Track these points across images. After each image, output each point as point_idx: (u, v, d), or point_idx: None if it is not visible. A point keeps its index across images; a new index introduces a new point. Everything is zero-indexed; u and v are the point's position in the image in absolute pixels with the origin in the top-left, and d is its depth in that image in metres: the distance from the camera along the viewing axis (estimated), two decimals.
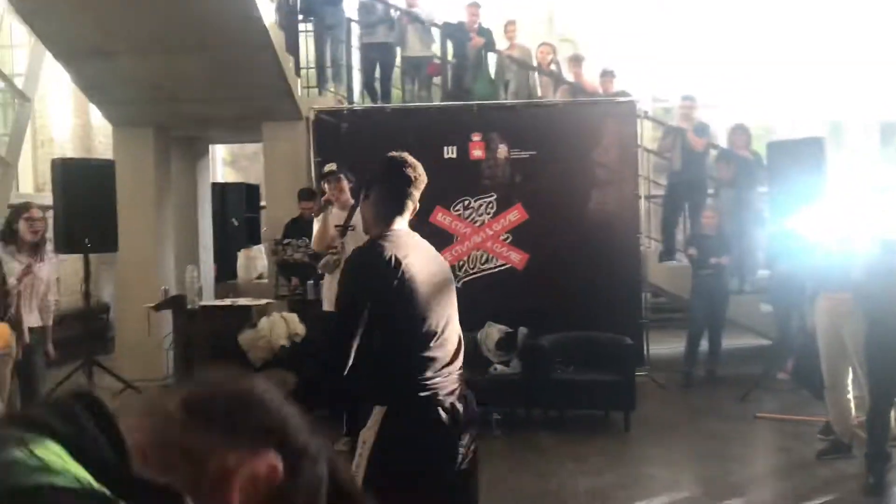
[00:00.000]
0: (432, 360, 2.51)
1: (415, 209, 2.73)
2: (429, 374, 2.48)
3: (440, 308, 2.60)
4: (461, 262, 7.33)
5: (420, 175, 2.75)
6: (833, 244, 4.74)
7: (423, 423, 2.46)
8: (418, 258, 2.57)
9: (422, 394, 2.46)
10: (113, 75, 6.86)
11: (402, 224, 2.66)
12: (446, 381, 2.53)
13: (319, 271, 5.20)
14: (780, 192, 6.58)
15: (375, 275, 2.47)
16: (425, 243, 2.75)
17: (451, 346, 2.61)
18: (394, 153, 2.80)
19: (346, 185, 5.11)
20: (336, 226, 4.78)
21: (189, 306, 5.73)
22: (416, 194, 2.73)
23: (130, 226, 7.56)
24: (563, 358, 5.89)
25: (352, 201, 4.71)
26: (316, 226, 5.13)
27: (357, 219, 4.04)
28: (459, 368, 2.63)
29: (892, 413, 4.40)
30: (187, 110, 7.36)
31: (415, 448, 2.42)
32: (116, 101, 7.31)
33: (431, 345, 2.51)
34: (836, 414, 4.89)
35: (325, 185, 5.21)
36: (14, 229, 4.57)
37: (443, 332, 2.56)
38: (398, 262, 2.46)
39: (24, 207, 4.68)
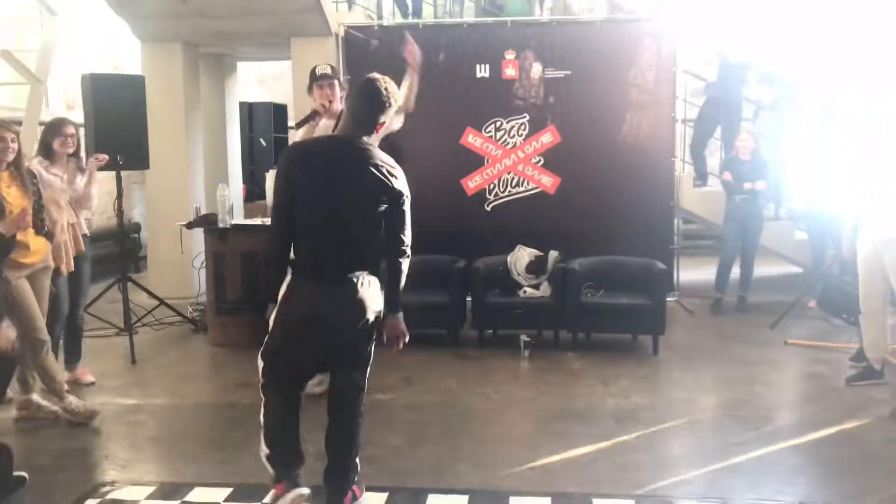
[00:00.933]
0: None
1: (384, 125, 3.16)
2: None
3: None
4: (492, 186, 7.26)
5: (393, 99, 3.08)
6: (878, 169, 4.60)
7: None
8: None
9: None
10: None
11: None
12: None
13: None
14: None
15: None
16: None
17: None
18: (372, 75, 3.08)
19: (338, 91, 4.49)
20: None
21: (220, 225, 5.74)
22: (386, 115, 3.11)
23: (160, 144, 7.55)
24: (594, 282, 5.86)
25: (342, 109, 4.12)
26: (299, 137, 4.41)
27: None
28: None
29: None
30: (214, 25, 7.22)
31: None
32: (144, 16, 7.20)
33: None
34: (870, 340, 4.84)
35: (316, 91, 4.50)
36: (49, 146, 4.58)
37: None
38: None
39: (60, 123, 4.67)
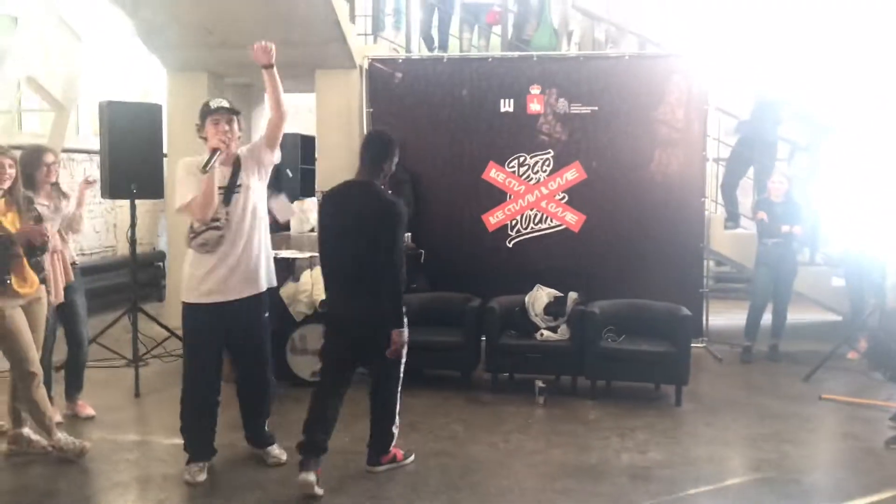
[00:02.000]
0: None
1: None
2: None
3: None
4: (514, 222, 7.08)
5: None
6: None
7: None
8: None
9: None
10: (166, 18, 6.77)
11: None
12: None
13: (192, 247, 3.81)
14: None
15: None
16: None
17: None
18: (376, 130, 4.38)
19: (237, 129, 3.84)
20: (220, 187, 3.75)
21: None
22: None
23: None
24: (615, 326, 5.61)
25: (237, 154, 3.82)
26: (188, 184, 3.72)
27: (252, 181, 3.91)
28: None
29: None
30: (239, 56, 7.15)
31: None
32: (170, 46, 7.23)
33: None
34: None
35: (209, 126, 3.76)
36: (32, 176, 4.39)
37: None
38: None
39: (38, 152, 4.56)
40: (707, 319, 7.20)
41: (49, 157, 4.54)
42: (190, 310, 3.92)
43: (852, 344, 6.62)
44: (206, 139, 3.81)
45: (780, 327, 6.81)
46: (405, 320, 3.78)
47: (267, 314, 4.13)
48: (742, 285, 9.87)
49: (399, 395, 4.04)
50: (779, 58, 7.99)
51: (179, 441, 4.43)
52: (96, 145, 6.12)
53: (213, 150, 3.70)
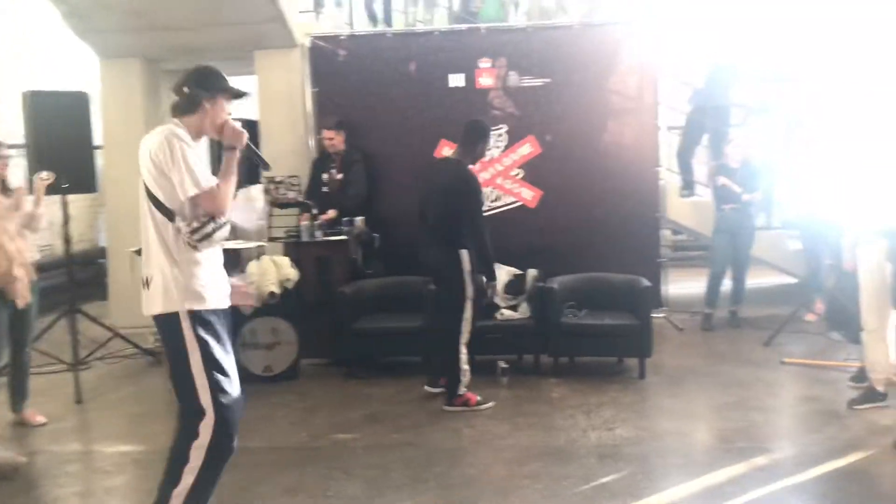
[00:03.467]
0: None
1: None
2: None
3: None
4: None
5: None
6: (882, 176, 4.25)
7: None
8: None
9: None
10: (91, 2, 6.40)
11: None
12: None
13: (198, 244, 2.83)
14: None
15: None
16: None
17: None
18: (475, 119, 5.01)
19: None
20: None
21: None
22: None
23: (118, 164, 7.19)
24: (575, 301, 5.49)
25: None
26: (201, 169, 2.86)
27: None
28: None
29: None
30: (173, 40, 6.87)
31: None
32: (99, 31, 6.84)
33: None
34: (873, 359, 4.48)
35: (227, 110, 3.05)
36: None
37: None
38: None
39: None
40: (666, 289, 7.15)
41: (3, 150, 4.25)
42: (212, 317, 2.87)
43: (809, 306, 6.64)
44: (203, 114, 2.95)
45: (739, 293, 6.80)
46: (494, 273, 4.84)
47: None
48: (698, 253, 9.87)
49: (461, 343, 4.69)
50: (729, 22, 7.93)
51: (126, 449, 4.21)
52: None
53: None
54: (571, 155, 6.81)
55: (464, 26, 7.15)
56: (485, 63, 6.84)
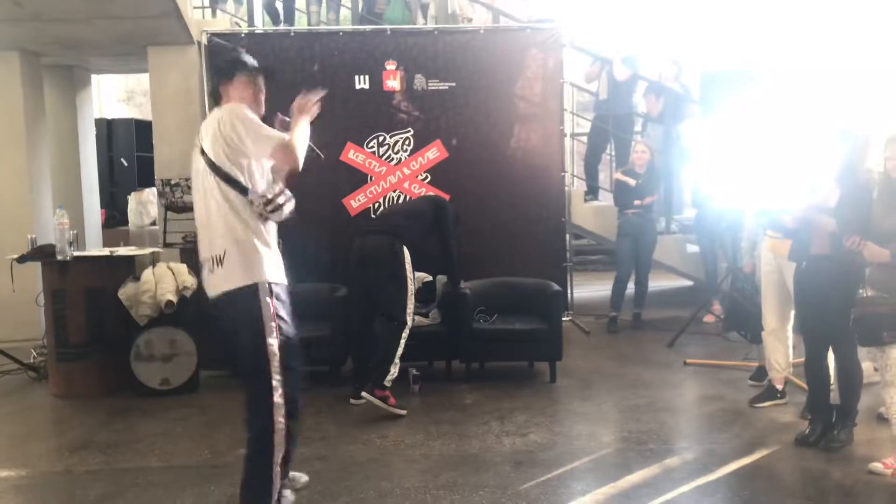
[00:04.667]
0: None
1: None
2: None
3: None
4: (377, 205, 6.78)
5: None
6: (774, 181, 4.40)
7: None
8: None
9: None
10: None
11: None
12: None
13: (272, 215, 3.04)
14: (712, 125, 6.22)
15: None
16: None
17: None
18: None
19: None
20: None
21: (59, 257, 4.96)
22: None
23: None
24: (486, 306, 5.45)
25: None
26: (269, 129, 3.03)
27: None
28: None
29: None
30: (56, 31, 6.39)
31: None
32: None
33: None
34: (773, 358, 4.64)
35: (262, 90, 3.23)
36: None
37: None
38: None
39: None
40: (572, 293, 7.25)
41: None
42: (279, 291, 3.05)
43: (708, 308, 6.87)
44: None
45: (642, 296, 6.96)
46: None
47: None
48: (600, 257, 10.11)
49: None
50: (629, 31, 8.14)
51: (6, 473, 3.84)
52: None
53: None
54: (478, 159, 6.82)
55: (369, 28, 7.03)
56: (391, 65, 6.75)
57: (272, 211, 3.02)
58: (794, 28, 7.21)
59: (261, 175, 3.06)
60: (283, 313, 3.02)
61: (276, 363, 2.96)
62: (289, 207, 3.08)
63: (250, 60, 3.24)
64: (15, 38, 6.52)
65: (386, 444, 4.16)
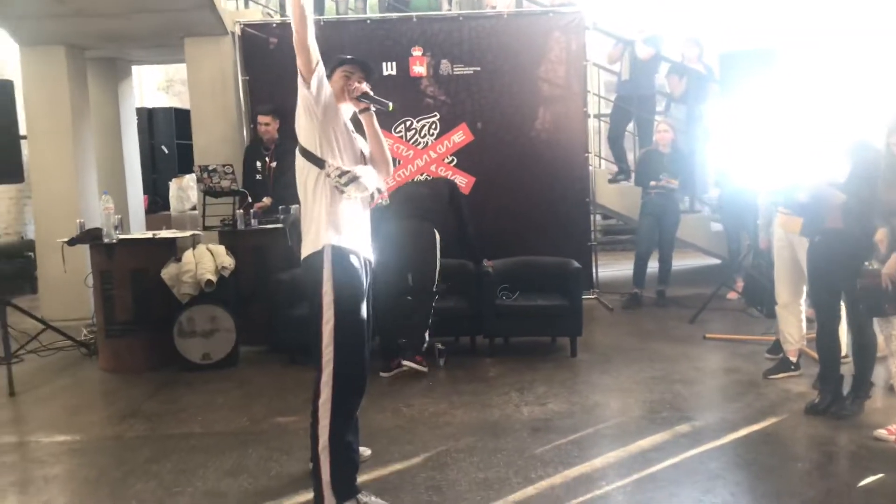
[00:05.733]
0: None
1: None
2: None
3: None
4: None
5: None
6: (787, 159, 4.50)
7: None
8: None
9: None
10: None
11: None
12: None
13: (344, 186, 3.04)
14: (731, 105, 6.30)
15: None
16: None
17: None
18: None
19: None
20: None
21: (106, 240, 5.29)
22: None
23: (45, 154, 7.04)
24: (509, 284, 5.65)
25: None
26: None
27: None
28: None
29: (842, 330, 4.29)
30: (98, 26, 6.72)
31: None
32: (18, 16, 6.64)
33: None
34: (786, 332, 4.78)
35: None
36: None
37: None
38: None
39: None
40: (597, 271, 7.41)
41: None
42: (342, 254, 3.03)
43: (730, 285, 6.98)
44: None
45: (665, 274, 7.09)
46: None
47: None
48: (628, 237, 10.22)
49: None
50: (651, 12, 8.19)
51: (62, 438, 4.17)
52: None
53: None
54: (503, 142, 6.99)
55: (395, 15, 7.22)
56: (417, 52, 6.94)
57: (346, 183, 3.00)
58: (811, 7, 7.20)
59: (339, 149, 3.06)
60: (345, 284, 2.99)
61: (328, 335, 2.97)
62: (366, 181, 3.06)
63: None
64: (60, 33, 6.87)
65: (412, 413, 4.40)
